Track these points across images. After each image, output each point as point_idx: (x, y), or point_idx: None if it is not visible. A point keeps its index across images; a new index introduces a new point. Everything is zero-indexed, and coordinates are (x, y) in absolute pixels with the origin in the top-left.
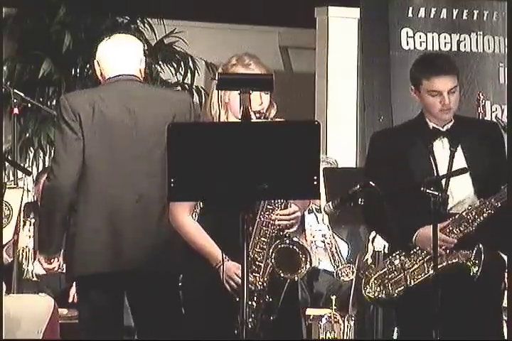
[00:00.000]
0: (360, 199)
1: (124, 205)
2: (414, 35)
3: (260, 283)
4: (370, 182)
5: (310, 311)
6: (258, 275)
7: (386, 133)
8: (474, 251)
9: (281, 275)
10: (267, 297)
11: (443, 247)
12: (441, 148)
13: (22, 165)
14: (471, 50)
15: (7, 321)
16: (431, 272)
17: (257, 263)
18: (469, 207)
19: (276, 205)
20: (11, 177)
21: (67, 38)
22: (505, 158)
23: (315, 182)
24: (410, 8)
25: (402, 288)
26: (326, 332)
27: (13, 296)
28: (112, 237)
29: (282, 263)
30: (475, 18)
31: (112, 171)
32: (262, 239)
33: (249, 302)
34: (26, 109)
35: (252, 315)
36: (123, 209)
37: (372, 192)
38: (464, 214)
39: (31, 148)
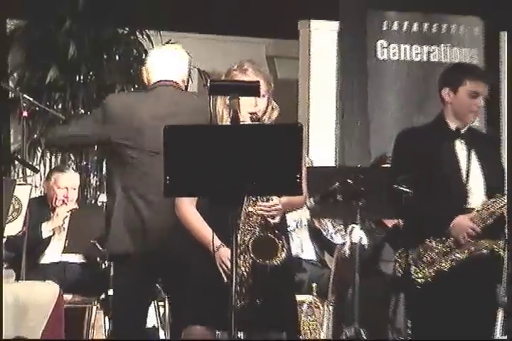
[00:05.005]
0: (338, 196)
1: (153, 199)
2: (388, 46)
3: (243, 268)
4: (348, 180)
5: None
6: (242, 261)
7: (411, 131)
8: (502, 239)
9: (257, 260)
10: (251, 281)
11: (473, 235)
12: (460, 147)
13: (30, 163)
14: (440, 60)
15: (16, 306)
16: (458, 256)
17: (242, 249)
18: (487, 202)
19: (260, 198)
20: (20, 175)
21: (72, 47)
22: (500, 161)
23: (298, 180)
24: (385, 22)
25: (435, 269)
26: (307, 316)
27: (22, 283)
28: (142, 223)
29: (260, 250)
30: (443, 31)
31: (143, 170)
32: (247, 227)
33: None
34: (34, 112)
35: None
36: (152, 202)
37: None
38: (485, 207)
39: (39, 148)
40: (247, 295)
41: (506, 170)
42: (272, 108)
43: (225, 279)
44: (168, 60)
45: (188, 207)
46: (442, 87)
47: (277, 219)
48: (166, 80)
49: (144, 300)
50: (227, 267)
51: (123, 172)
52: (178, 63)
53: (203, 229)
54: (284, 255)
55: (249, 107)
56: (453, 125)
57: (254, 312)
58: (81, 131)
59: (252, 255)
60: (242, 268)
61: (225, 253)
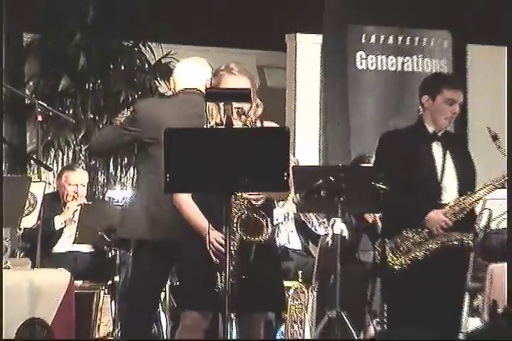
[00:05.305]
0: (322, 192)
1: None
2: (366, 57)
3: (232, 247)
4: (330, 178)
5: None
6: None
7: (393, 133)
8: (471, 233)
9: (244, 237)
10: (239, 259)
11: (445, 227)
12: (437, 149)
13: (44, 162)
14: (413, 69)
15: (32, 291)
16: (431, 246)
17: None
18: (459, 199)
19: None
20: (36, 173)
21: (82, 58)
22: (472, 162)
23: (285, 178)
24: (364, 35)
25: (411, 257)
26: (293, 300)
27: (36, 270)
28: (159, 213)
29: (246, 229)
30: (416, 43)
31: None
32: (235, 210)
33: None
34: (48, 117)
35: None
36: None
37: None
38: (457, 203)
39: (52, 149)
40: (235, 273)
41: (506, 169)
42: (257, 105)
43: (214, 259)
44: (192, 70)
45: (184, 198)
46: (422, 94)
47: (260, 202)
48: (189, 88)
49: (157, 286)
50: (218, 250)
51: (149, 167)
52: (200, 72)
53: (197, 217)
54: (269, 231)
55: (234, 103)
56: (431, 129)
57: (242, 291)
58: (113, 135)
59: (239, 233)
60: (231, 248)
61: (215, 235)
